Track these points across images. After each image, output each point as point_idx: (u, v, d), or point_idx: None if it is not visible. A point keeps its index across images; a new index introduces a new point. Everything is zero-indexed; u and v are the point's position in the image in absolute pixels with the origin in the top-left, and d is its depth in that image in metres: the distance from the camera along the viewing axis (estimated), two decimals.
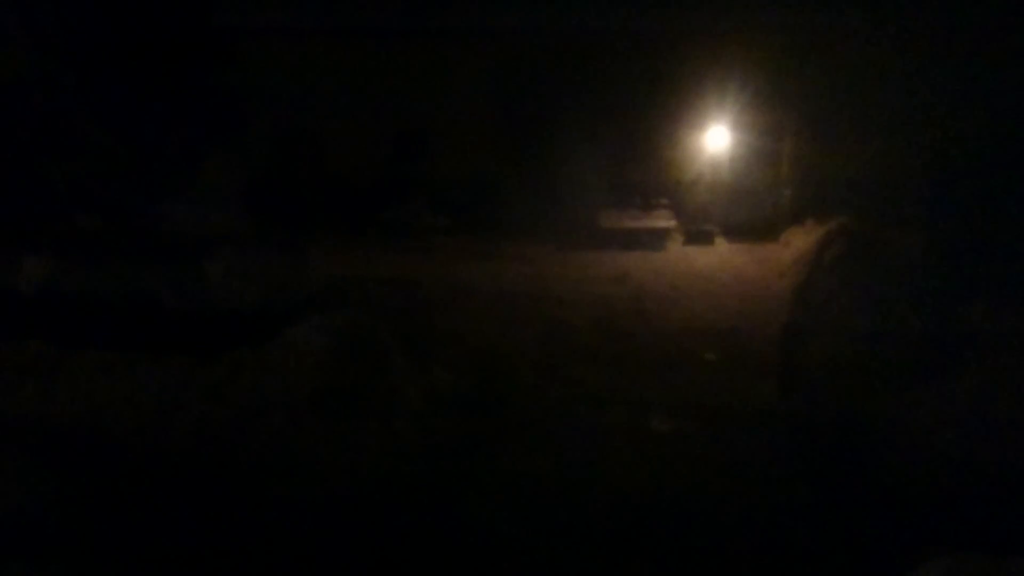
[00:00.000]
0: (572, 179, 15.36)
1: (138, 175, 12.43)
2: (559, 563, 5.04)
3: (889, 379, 7.29)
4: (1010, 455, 6.08)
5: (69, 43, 12.83)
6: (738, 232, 15.47)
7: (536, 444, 6.66)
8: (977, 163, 13.25)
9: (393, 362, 7.56)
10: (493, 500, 5.75)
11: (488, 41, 16.16)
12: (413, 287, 11.09)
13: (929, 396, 6.91)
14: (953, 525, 5.32)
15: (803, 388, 7.68)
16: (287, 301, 8.29)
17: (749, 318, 10.25)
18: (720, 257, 14.21)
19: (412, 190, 15.87)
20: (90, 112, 12.77)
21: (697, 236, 15.23)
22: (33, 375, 7.19)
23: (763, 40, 15.07)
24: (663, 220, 15.25)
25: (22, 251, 8.51)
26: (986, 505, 5.59)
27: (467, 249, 14.14)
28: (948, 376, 7.02)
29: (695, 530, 5.38)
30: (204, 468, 6.13)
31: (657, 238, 14.87)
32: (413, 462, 6.29)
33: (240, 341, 7.46)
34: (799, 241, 13.02)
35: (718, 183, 16.06)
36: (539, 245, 14.42)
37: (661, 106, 15.53)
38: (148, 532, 5.23)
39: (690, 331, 9.75)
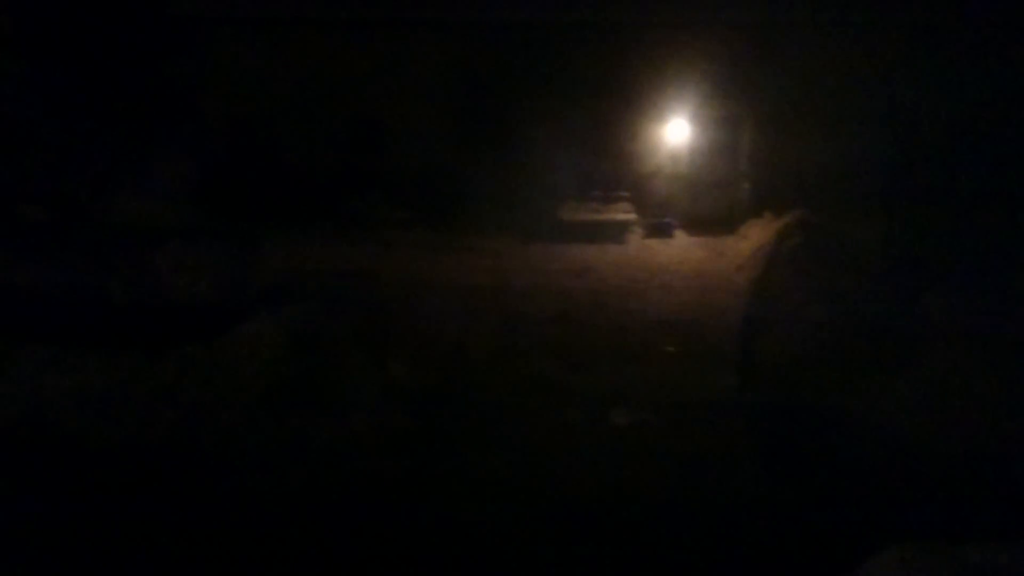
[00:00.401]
0: (533, 171, 15.29)
1: (87, 166, 12.12)
2: (517, 557, 4.98)
3: (845, 369, 7.38)
4: (962, 443, 6.17)
5: (15, 32, 12.49)
6: (697, 225, 15.54)
7: (495, 438, 6.60)
8: (932, 158, 13.47)
9: (349, 357, 7.45)
10: (450, 496, 5.68)
11: (447, 32, 16.02)
12: (370, 280, 10.95)
13: (884, 386, 7.00)
14: (908, 511, 5.38)
15: (762, 379, 7.73)
16: (240, 295, 8.13)
17: (708, 310, 10.28)
18: (679, 250, 14.26)
19: (370, 182, 15.67)
20: (37, 102, 12.44)
21: (657, 229, 15.27)
22: None
23: (722, 33, 15.12)
24: (623, 213, 15.26)
25: None
26: (940, 491, 5.66)
27: (426, 242, 14.00)
28: (903, 366, 7.12)
29: (654, 522, 5.36)
30: (153, 466, 5.97)
31: (617, 231, 14.88)
32: (369, 458, 6.19)
33: (191, 336, 7.29)
34: (757, 234, 13.10)
35: (677, 176, 16.12)
36: (499, 237, 14.33)
37: (621, 98, 15.52)
38: (93, 530, 5.07)
39: (650, 324, 9.74)
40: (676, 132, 15.94)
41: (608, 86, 15.41)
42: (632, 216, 15.28)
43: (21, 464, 5.88)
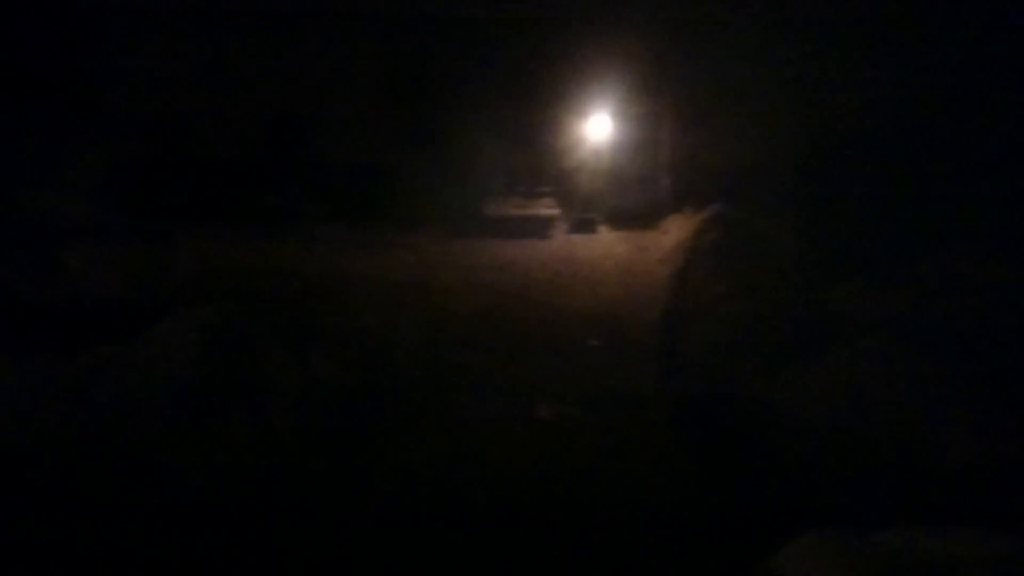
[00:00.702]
0: (457, 167, 15.24)
1: None
2: (443, 552, 4.98)
3: (762, 360, 7.56)
4: (873, 429, 6.39)
5: None
6: (620, 220, 15.70)
7: (420, 434, 6.57)
8: (846, 152, 13.91)
9: (270, 355, 7.32)
10: (374, 493, 5.64)
11: (370, 26, 15.83)
12: (291, 278, 10.76)
13: (799, 375, 7.20)
14: (822, 496, 5.56)
15: (682, 370, 7.87)
16: (155, 293, 7.90)
17: (631, 304, 10.41)
18: (603, 245, 14.40)
19: (291, 177, 15.40)
20: None
21: (580, 224, 15.39)
22: None
23: (643, 30, 15.30)
24: (547, 208, 15.34)
25: None
26: (853, 476, 5.86)
27: (350, 237, 13.82)
28: (816, 356, 7.33)
29: (579, 512, 5.42)
30: (66, 471, 5.77)
31: (541, 226, 14.95)
32: (291, 457, 6.09)
33: (105, 336, 7.06)
34: (678, 229, 13.29)
35: (600, 171, 16.26)
36: (424, 233, 14.24)
37: (546, 94, 15.59)
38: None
39: (573, 318, 9.82)
40: (598, 128, 16.08)
41: (533, 82, 15.46)
42: (556, 211, 15.38)
43: None
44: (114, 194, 13.03)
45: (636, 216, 15.53)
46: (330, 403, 7.00)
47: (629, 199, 16.02)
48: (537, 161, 16.02)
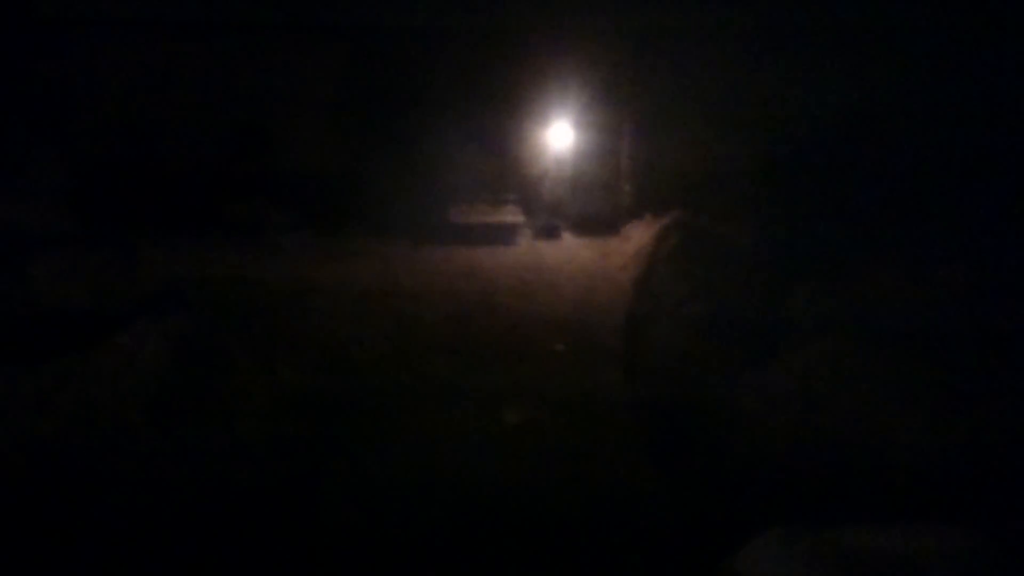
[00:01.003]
0: (422, 175, 15.31)
1: None
2: (409, 560, 5.03)
3: (723, 363, 7.70)
4: (831, 428, 6.55)
5: None
6: (583, 226, 15.88)
7: (387, 442, 6.61)
8: (802, 161, 14.20)
9: (235, 364, 7.31)
10: (342, 501, 5.67)
11: (333, 36, 15.83)
12: (256, 286, 10.73)
13: (758, 377, 7.34)
14: (785, 498, 5.69)
15: (646, 375, 8.00)
16: (119, 303, 7.84)
17: (595, 309, 10.54)
18: (567, 251, 14.53)
19: (256, 187, 15.34)
20: None
21: (545, 231, 15.52)
22: None
23: (603, 39, 15.50)
24: (511, 215, 15.45)
25: None
26: (812, 475, 6.00)
27: (315, 246, 13.82)
28: (775, 358, 7.48)
29: (545, 517, 5.50)
30: (30, 483, 5.73)
31: (506, 233, 15.05)
32: (259, 466, 6.10)
33: (68, 347, 7.00)
34: (638, 235, 13.47)
35: (563, 179, 16.42)
36: (389, 241, 14.28)
37: (509, 103, 15.71)
38: None
39: (539, 323, 9.92)
40: (561, 136, 16.23)
41: (496, 91, 15.57)
42: (520, 218, 15.48)
43: None
44: (78, 204, 12.88)
45: (599, 223, 15.71)
46: (297, 411, 7.01)
47: (592, 206, 16.21)
48: (501, 169, 16.13)
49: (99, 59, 15.15)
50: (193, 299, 9.18)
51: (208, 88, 15.47)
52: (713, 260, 9.62)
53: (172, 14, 15.38)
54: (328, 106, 15.81)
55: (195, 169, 15.52)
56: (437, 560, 5.04)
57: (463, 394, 7.61)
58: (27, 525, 5.23)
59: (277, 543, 5.14)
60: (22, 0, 13.13)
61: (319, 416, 6.97)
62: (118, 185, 14.53)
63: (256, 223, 14.39)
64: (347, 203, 15.00)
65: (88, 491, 5.67)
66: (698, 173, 14.77)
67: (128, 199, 14.08)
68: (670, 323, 8.52)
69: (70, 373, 6.76)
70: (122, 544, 5.07)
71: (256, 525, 5.33)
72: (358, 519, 5.45)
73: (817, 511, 5.14)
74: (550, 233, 15.51)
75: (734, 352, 7.74)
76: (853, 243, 10.13)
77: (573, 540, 5.25)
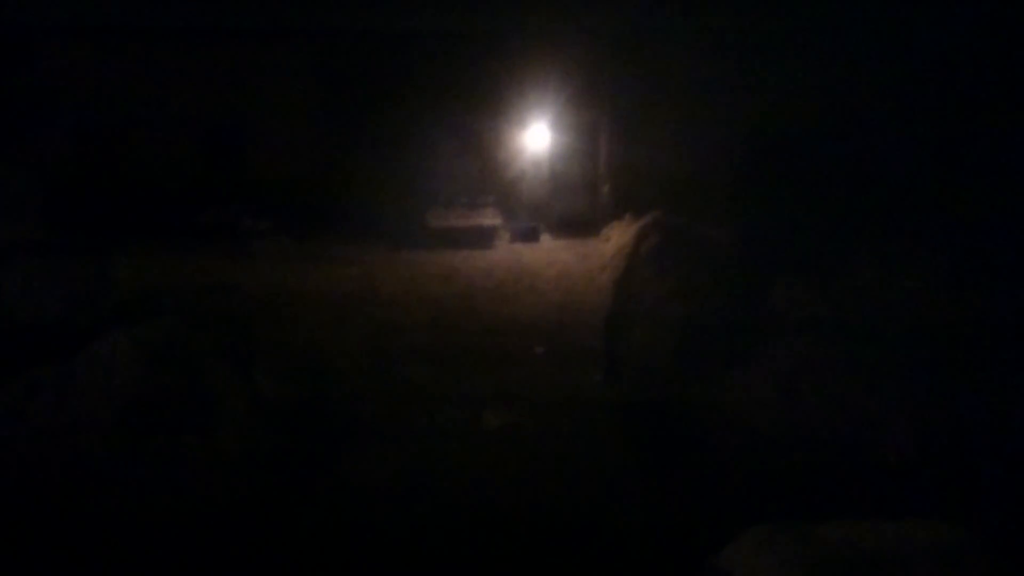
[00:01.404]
0: (399, 179, 15.26)
1: None
2: (391, 566, 4.97)
3: (703, 363, 7.70)
4: (814, 429, 6.56)
5: None
6: (562, 228, 15.88)
7: (367, 448, 6.55)
8: (780, 159, 14.26)
9: (212, 373, 7.19)
10: (323, 509, 5.61)
11: (308, 40, 15.75)
12: (232, 293, 10.61)
13: (740, 377, 7.35)
14: (768, 496, 5.68)
15: (626, 376, 7.98)
16: (92, 312, 7.72)
17: (575, 311, 10.53)
18: (545, 253, 14.52)
19: (231, 193, 15.20)
20: None
21: (523, 233, 15.50)
22: None
23: (580, 41, 15.52)
24: (489, 218, 15.41)
25: None
26: (795, 473, 6.00)
27: (291, 252, 13.72)
28: (756, 356, 7.49)
29: (529, 519, 5.47)
30: (4, 494, 5.61)
31: (484, 236, 15.01)
32: (238, 475, 6.01)
33: (40, 357, 6.88)
34: (618, 235, 13.48)
35: (541, 181, 16.42)
36: (367, 246, 14.20)
37: (486, 105, 15.69)
38: None
39: (519, 326, 9.90)
40: (539, 138, 16.23)
41: (473, 93, 15.55)
42: (498, 221, 15.45)
43: None
44: (49, 213, 12.73)
45: (577, 224, 15.72)
46: (275, 419, 6.92)
47: (571, 207, 16.22)
48: (480, 171, 16.10)
49: (69, 67, 14.98)
50: (168, 307, 9.06)
51: (181, 94, 15.34)
52: (693, 259, 9.62)
53: (143, 20, 15.24)
54: (304, 110, 15.73)
55: (169, 176, 15.37)
56: (420, 565, 4.98)
57: (444, 399, 7.56)
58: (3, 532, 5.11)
59: (256, 554, 5.06)
60: None
61: (297, 423, 6.89)
62: (90, 193, 14.37)
63: (232, 229, 14.26)
64: (324, 208, 14.92)
65: (63, 502, 5.56)
66: (677, 173, 14.81)
67: (101, 207, 13.92)
68: (651, 323, 8.50)
69: (43, 383, 6.64)
70: (97, 555, 4.97)
71: (234, 535, 5.24)
72: (336, 525, 5.37)
73: (800, 508, 5.13)
74: (529, 235, 15.48)
75: (715, 351, 7.74)
76: (833, 240, 10.17)
77: (558, 541, 5.21)
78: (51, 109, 14.33)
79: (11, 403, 6.44)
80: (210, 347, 7.38)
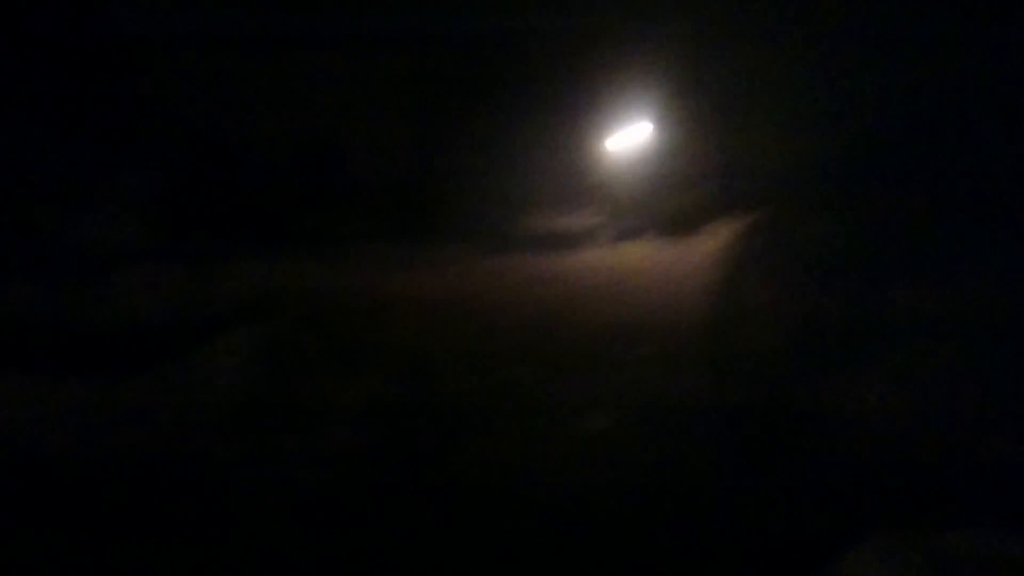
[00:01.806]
0: (500, 178, 15.30)
1: (39, 186, 11.91)
2: (493, 560, 4.95)
3: (815, 365, 7.41)
4: (938, 436, 6.23)
5: None
6: (665, 226, 15.59)
7: (470, 449, 6.55)
8: (894, 151, 13.65)
9: (320, 373, 7.38)
10: (426, 506, 5.64)
11: (404, 42, 15.99)
12: (335, 295, 10.82)
13: (854, 380, 7.05)
14: (890, 506, 5.41)
15: (734, 380, 7.74)
16: (207, 313, 8.02)
17: (679, 312, 10.25)
18: (648, 252, 14.28)
19: (333, 196, 15.56)
20: None
21: (624, 232, 15.30)
22: None
23: (680, 33, 15.28)
24: (590, 217, 15.30)
25: None
26: (919, 485, 5.70)
27: (393, 254, 13.87)
28: (871, 359, 7.18)
29: (632, 526, 5.34)
30: (129, 490, 5.87)
31: (586, 235, 14.90)
32: (348, 471, 6.13)
33: (157, 357, 7.17)
34: (724, 234, 13.13)
35: (643, 178, 16.17)
36: (468, 247, 14.20)
37: (586, 101, 15.58)
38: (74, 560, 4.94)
39: (620, 328, 9.71)
40: (641, 134, 16.02)
41: (573, 89, 15.48)
42: (600, 220, 15.32)
43: None
44: (159, 218, 13.29)
45: (681, 222, 15.41)
46: (379, 419, 7.02)
47: (673, 205, 15.92)
48: (580, 170, 16.00)
49: (182, 75, 15.62)
50: (275, 309, 9.31)
51: (285, 101, 15.79)
52: (803, 258, 9.28)
53: (249, 31, 15.78)
54: (402, 113, 15.96)
55: (273, 181, 15.85)
56: (519, 565, 4.93)
57: (544, 401, 7.51)
58: (127, 529, 5.32)
59: (367, 546, 5.14)
60: (106, 18, 13.66)
61: (401, 424, 6.98)
62: (198, 198, 14.92)
63: (333, 233, 14.57)
64: (423, 210, 15.09)
65: (184, 499, 5.78)
66: (787, 167, 14.33)
67: (207, 212, 14.43)
68: (759, 325, 8.25)
69: (160, 384, 6.94)
70: (212, 549, 5.12)
71: (345, 528, 5.36)
72: (441, 523, 5.41)
73: (925, 515, 4.89)
74: (630, 234, 15.27)
75: (830, 353, 7.45)
76: (954, 238, 9.65)
77: (662, 551, 5.07)
78: (161, 116, 14.96)
79: (128, 403, 6.74)
80: (320, 347, 7.58)
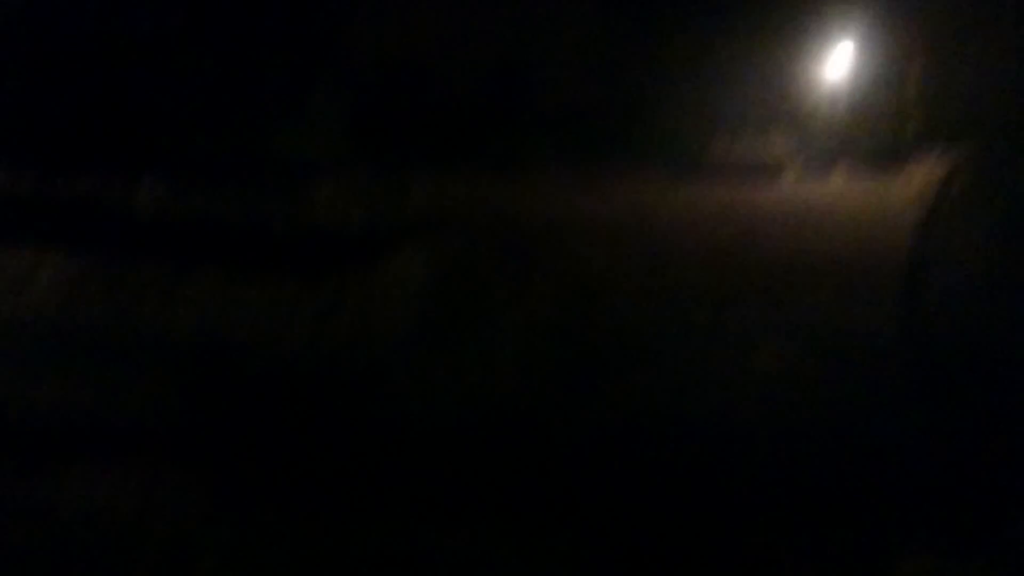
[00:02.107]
0: (688, 103, 14.89)
1: (249, 103, 12.68)
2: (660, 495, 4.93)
3: (1016, 315, 6.83)
4: None
5: None
6: (862, 161, 14.74)
7: (640, 377, 6.48)
8: None
9: (495, 291, 7.53)
10: (596, 433, 5.62)
11: None
12: (516, 217, 10.96)
13: None
14: None
15: (925, 317, 7.27)
16: (391, 226, 8.35)
17: (870, 252, 9.70)
18: (840, 187, 13.57)
19: (520, 118, 15.68)
20: (189, 32, 13.08)
21: (814, 164, 14.61)
22: (150, 295, 7.45)
23: None
24: (780, 147, 14.69)
25: (139, 171, 8.78)
26: None
27: (575, 177, 13.89)
28: None
29: (805, 469, 5.13)
30: (318, 385, 6.15)
31: (774, 166, 14.36)
32: (519, 392, 6.17)
33: (345, 264, 7.55)
34: (926, 170, 12.30)
35: (841, 108, 15.30)
36: (651, 172, 14.01)
37: (778, 26, 14.79)
38: (262, 444, 5.27)
39: (804, 263, 9.31)
40: (840, 61, 15.09)
41: (766, 12, 14.71)
42: (790, 150, 14.69)
43: (197, 381, 6.22)
44: (354, 134, 13.87)
45: (879, 156, 14.53)
46: (553, 341, 7.10)
47: (872, 138, 15.01)
48: (771, 97, 15.31)
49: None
50: (457, 228, 9.54)
51: (475, 22, 15.92)
52: (1012, 199, 8.49)
53: None
54: (589, 37, 15.74)
55: (463, 102, 16.12)
56: (682, 496, 4.87)
57: (719, 333, 7.32)
58: (307, 427, 5.61)
59: (536, 466, 5.14)
60: None
61: (573, 349, 6.99)
62: (390, 117, 15.42)
63: (519, 154, 14.71)
64: (608, 133, 14.95)
65: (366, 404, 5.92)
66: (1000, 102, 13.08)
67: (399, 130, 14.90)
68: (957, 267, 7.65)
69: (347, 290, 7.30)
70: (387, 460, 5.25)
71: (506, 445, 5.42)
72: (606, 448, 5.38)
73: None
74: (822, 167, 14.56)
75: None
76: None
77: (834, 499, 4.84)
78: (358, 37, 15.47)
79: (320, 305, 7.16)
80: (492, 267, 7.72)
